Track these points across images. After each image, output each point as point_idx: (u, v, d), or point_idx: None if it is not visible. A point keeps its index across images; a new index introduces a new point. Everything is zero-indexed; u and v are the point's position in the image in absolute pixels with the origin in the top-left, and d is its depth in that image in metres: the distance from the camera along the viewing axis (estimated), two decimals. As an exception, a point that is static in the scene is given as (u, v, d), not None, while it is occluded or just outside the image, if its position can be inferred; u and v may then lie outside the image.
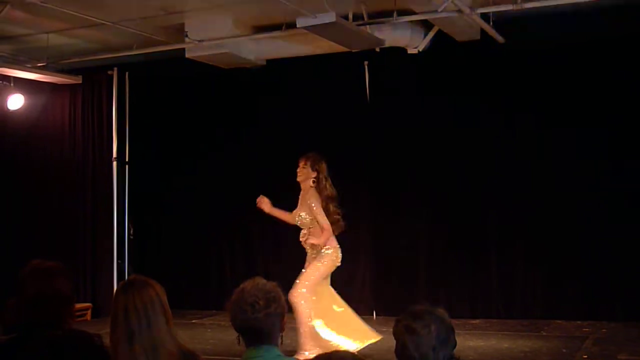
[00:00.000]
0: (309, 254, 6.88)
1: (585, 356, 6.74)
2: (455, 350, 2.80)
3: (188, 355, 2.97)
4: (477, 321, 8.56)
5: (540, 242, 8.59)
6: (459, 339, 2.83)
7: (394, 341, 2.80)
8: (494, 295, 8.82)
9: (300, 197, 6.93)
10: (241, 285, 2.96)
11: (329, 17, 6.95)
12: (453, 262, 8.98)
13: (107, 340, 3.01)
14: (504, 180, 8.74)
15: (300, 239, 6.87)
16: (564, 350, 7.03)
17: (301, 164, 6.88)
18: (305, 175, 6.85)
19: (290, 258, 9.63)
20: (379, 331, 8.05)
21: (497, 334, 7.85)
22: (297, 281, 6.70)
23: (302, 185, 6.92)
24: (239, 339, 2.94)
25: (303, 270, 6.83)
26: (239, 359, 3.22)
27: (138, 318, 2.83)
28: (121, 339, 2.83)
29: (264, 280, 2.99)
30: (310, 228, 6.81)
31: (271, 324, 2.87)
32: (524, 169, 8.70)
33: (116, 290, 3.02)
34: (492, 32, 8.05)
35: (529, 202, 8.64)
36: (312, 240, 6.72)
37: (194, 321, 9.06)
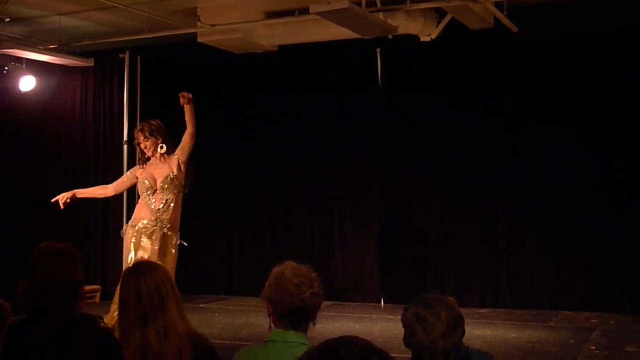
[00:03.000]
0: None
1: (593, 347, 6.73)
2: (463, 339, 2.80)
3: (197, 338, 2.97)
4: (485, 310, 8.56)
5: (549, 232, 8.57)
6: (466, 328, 2.84)
7: (402, 329, 2.80)
8: (502, 285, 8.82)
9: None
10: (275, 270, 2.95)
11: (342, 3, 6.92)
12: (461, 251, 8.98)
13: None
14: (514, 170, 8.71)
15: None
16: (572, 341, 7.02)
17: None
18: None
19: (299, 243, 9.69)
20: (386, 319, 8.10)
21: (504, 324, 7.85)
22: None
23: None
24: (270, 325, 2.94)
25: None
26: (248, 343, 3.22)
27: (151, 300, 2.83)
28: (133, 322, 2.82)
29: (297, 264, 2.99)
30: None
31: (316, 303, 2.88)
32: (535, 159, 8.67)
33: (123, 275, 3.00)
34: (505, 20, 7.98)
35: (539, 192, 8.61)
36: None
37: (202, 305, 9.09)
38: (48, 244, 3.18)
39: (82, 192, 7.08)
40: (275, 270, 2.93)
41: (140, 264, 3.06)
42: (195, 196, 10.05)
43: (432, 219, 9.18)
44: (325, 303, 8.76)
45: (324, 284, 9.29)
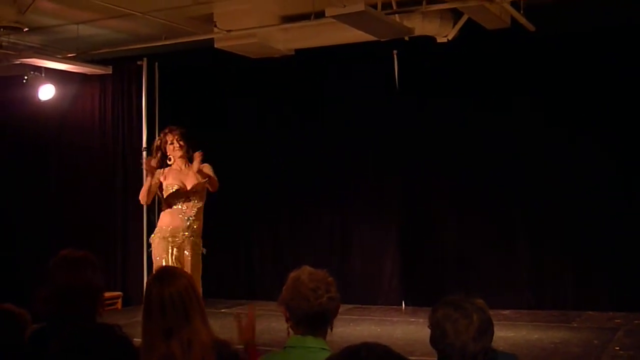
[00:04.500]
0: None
1: (617, 347, 6.66)
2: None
3: (221, 345, 2.96)
4: (507, 312, 8.49)
5: (571, 232, 8.50)
6: None
7: (426, 330, 2.76)
8: (524, 285, 8.76)
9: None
10: (292, 275, 2.94)
11: (358, 6, 6.91)
12: (483, 252, 8.92)
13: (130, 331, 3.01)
14: (535, 170, 8.66)
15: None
16: (595, 342, 6.94)
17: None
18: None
19: (319, 248, 9.68)
20: (407, 322, 8.07)
21: (527, 325, 7.78)
22: None
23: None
24: (289, 331, 2.92)
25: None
26: (269, 349, 3.21)
27: (176, 313, 2.80)
28: (157, 334, 2.80)
29: (313, 269, 2.98)
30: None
31: (333, 307, 2.88)
32: (557, 158, 8.60)
33: (148, 283, 2.98)
34: (522, 20, 7.94)
35: (560, 192, 8.55)
36: None
37: (223, 310, 9.09)
38: (67, 252, 3.19)
39: (151, 179, 6.64)
40: (292, 275, 2.92)
41: (164, 272, 3.04)
42: (215, 201, 10.10)
43: (452, 221, 9.14)
44: (345, 306, 8.78)
45: (344, 287, 9.26)
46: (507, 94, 8.78)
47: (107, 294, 9.67)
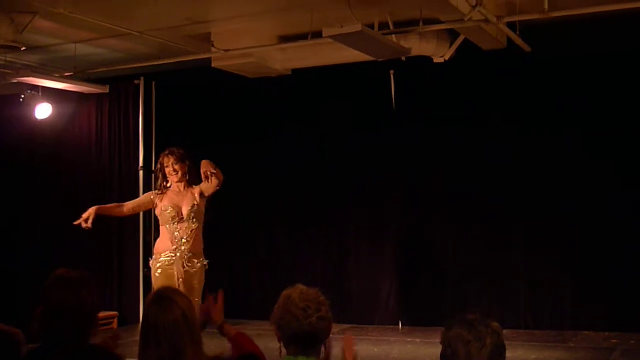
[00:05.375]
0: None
1: (614, 368, 6.66)
2: None
3: None
4: (504, 331, 8.40)
5: (568, 252, 8.51)
6: None
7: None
8: (521, 305, 8.75)
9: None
10: (284, 293, 2.93)
11: (355, 27, 6.94)
12: (480, 271, 8.92)
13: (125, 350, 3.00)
14: (533, 189, 8.67)
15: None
16: (593, 362, 6.95)
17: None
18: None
19: (316, 266, 9.67)
20: (404, 341, 8.04)
21: (524, 345, 7.76)
22: None
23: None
24: (280, 350, 2.91)
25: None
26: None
27: (168, 344, 2.81)
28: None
29: (306, 287, 2.96)
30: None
31: (323, 327, 2.86)
32: (553, 178, 8.62)
33: (146, 307, 2.98)
34: (518, 40, 7.98)
35: (558, 212, 8.56)
36: None
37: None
38: (62, 271, 3.18)
39: (102, 209, 6.74)
40: (284, 293, 2.91)
41: (162, 295, 3.02)
42: (212, 220, 10.10)
43: (449, 240, 9.14)
44: (342, 326, 8.81)
45: (340, 306, 9.31)
46: (503, 114, 8.81)
47: (103, 314, 9.66)
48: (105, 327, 9.51)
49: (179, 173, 6.55)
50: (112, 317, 9.85)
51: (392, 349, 7.76)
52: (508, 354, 7.23)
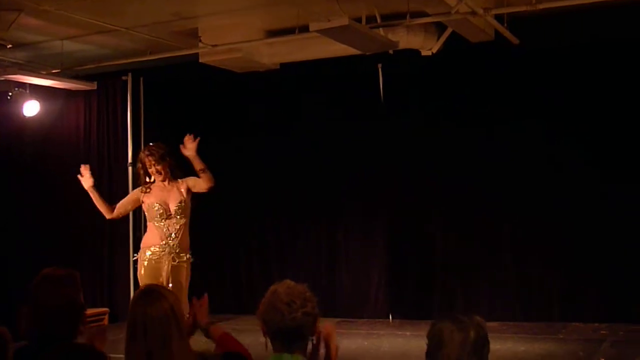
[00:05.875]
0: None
1: (603, 359, 6.68)
2: None
3: (206, 356, 2.99)
4: (494, 324, 8.46)
5: (557, 244, 8.53)
6: None
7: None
8: (510, 297, 8.77)
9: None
10: (271, 288, 2.92)
11: (342, 21, 6.93)
12: (469, 264, 8.93)
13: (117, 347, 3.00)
14: (520, 182, 8.68)
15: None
16: (581, 354, 6.98)
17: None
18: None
19: (306, 261, 9.68)
20: (394, 335, 8.06)
21: (513, 337, 7.78)
22: None
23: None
24: (267, 345, 2.91)
25: None
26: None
27: (155, 337, 2.83)
28: (139, 356, 2.83)
29: (294, 283, 2.96)
30: None
31: (308, 323, 2.84)
32: (541, 171, 8.63)
33: (132, 302, 2.99)
34: (506, 33, 8.00)
35: (545, 204, 8.58)
36: None
37: (219, 323, 9.06)
38: (49, 270, 3.19)
39: (94, 192, 6.71)
40: (271, 288, 2.91)
41: (149, 291, 3.04)
42: (202, 215, 10.09)
43: (438, 233, 9.16)
44: (332, 320, 8.77)
45: (331, 300, 9.31)
46: (491, 106, 8.82)
47: (94, 310, 9.66)
48: (96, 324, 9.49)
49: (161, 173, 6.53)
50: (103, 313, 9.84)
51: (382, 342, 7.77)
52: (498, 346, 7.33)
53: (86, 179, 6.66)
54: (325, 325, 3.06)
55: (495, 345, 7.25)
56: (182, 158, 6.61)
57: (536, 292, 8.69)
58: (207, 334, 3.45)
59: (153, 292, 2.98)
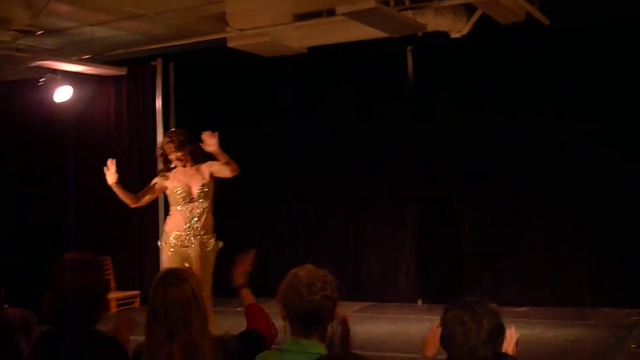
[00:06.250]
0: None
1: (634, 345, 6.60)
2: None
3: (223, 342, 3.01)
4: (523, 309, 8.43)
5: (588, 228, 8.42)
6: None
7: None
8: (541, 282, 8.69)
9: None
10: (292, 271, 2.93)
11: (369, 3, 6.85)
12: (499, 248, 8.88)
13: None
14: (550, 165, 8.58)
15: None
16: (612, 340, 6.89)
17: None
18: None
19: (334, 245, 9.68)
20: (423, 319, 8.03)
21: (542, 322, 7.73)
22: None
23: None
24: (285, 328, 2.91)
25: None
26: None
27: (177, 318, 2.84)
28: (160, 336, 2.85)
29: (315, 267, 2.96)
30: None
31: (327, 307, 2.83)
32: (573, 153, 8.51)
33: (154, 285, 3.01)
34: (537, 14, 7.87)
35: (577, 188, 8.46)
36: None
37: (238, 309, 9.11)
38: (72, 255, 3.21)
39: (118, 187, 6.70)
40: (291, 271, 2.91)
41: (169, 274, 3.06)
42: (231, 200, 10.13)
43: (468, 217, 9.10)
44: (361, 304, 8.82)
45: (359, 285, 9.30)
46: (522, 89, 8.71)
47: (125, 294, 9.79)
48: (128, 307, 9.62)
49: (182, 159, 6.56)
50: (135, 296, 9.96)
51: (409, 327, 7.76)
52: (526, 331, 7.25)
53: (111, 174, 6.66)
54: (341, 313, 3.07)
55: (524, 331, 7.15)
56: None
57: (566, 277, 8.59)
58: (239, 295, 3.47)
59: (174, 276, 3.00)
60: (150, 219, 10.19)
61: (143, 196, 6.85)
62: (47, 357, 3.03)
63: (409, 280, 9.33)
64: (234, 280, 3.47)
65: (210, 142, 6.42)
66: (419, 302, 9.14)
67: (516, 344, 3.01)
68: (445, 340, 2.69)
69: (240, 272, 3.51)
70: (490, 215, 8.93)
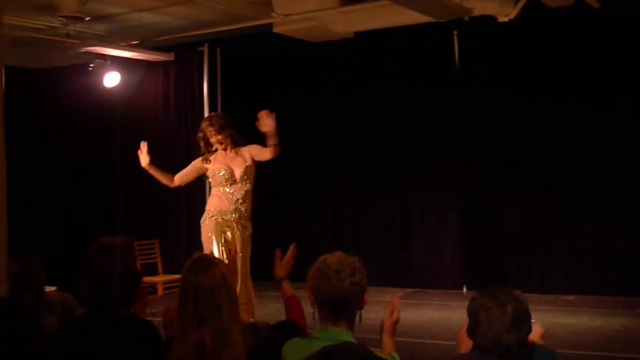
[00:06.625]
0: None
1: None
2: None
3: (254, 329, 3.01)
4: (570, 297, 8.31)
5: (636, 216, 8.24)
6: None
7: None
8: (589, 270, 8.55)
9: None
10: (321, 257, 2.92)
11: (414, -13, 6.81)
12: (546, 235, 8.77)
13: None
14: (599, 153, 8.43)
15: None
16: (660, 330, 6.76)
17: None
18: None
19: (379, 232, 9.66)
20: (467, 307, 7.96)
21: (590, 311, 7.60)
22: None
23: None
24: (314, 314, 2.91)
25: None
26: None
27: (207, 303, 2.85)
28: (191, 320, 2.86)
29: (344, 254, 2.95)
30: None
31: (355, 294, 2.81)
32: (622, 140, 8.35)
33: (184, 270, 3.02)
34: (586, -4, 7.71)
35: (625, 174, 8.30)
36: None
37: (276, 294, 9.14)
38: (106, 240, 3.25)
39: (152, 168, 6.87)
40: (321, 257, 2.90)
41: (200, 260, 3.06)
42: (277, 186, 10.18)
43: (513, 204, 8.99)
44: (405, 290, 8.79)
45: (404, 271, 9.25)
46: (571, 75, 8.55)
47: (172, 277, 9.90)
48: (174, 290, 9.73)
49: (223, 142, 6.59)
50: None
51: (453, 314, 7.69)
52: (573, 320, 7.14)
53: (144, 157, 6.78)
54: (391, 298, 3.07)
55: (570, 320, 7.15)
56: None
57: (614, 266, 8.43)
58: (279, 287, 3.51)
59: (204, 261, 3.01)
60: (198, 203, 10.28)
61: (181, 177, 6.93)
62: (81, 339, 3.07)
63: (454, 267, 9.27)
64: (275, 273, 3.50)
65: (267, 121, 6.44)
66: (464, 289, 9.07)
67: (541, 337, 2.97)
68: (471, 329, 2.66)
69: (282, 266, 3.53)
70: (537, 203, 8.81)
